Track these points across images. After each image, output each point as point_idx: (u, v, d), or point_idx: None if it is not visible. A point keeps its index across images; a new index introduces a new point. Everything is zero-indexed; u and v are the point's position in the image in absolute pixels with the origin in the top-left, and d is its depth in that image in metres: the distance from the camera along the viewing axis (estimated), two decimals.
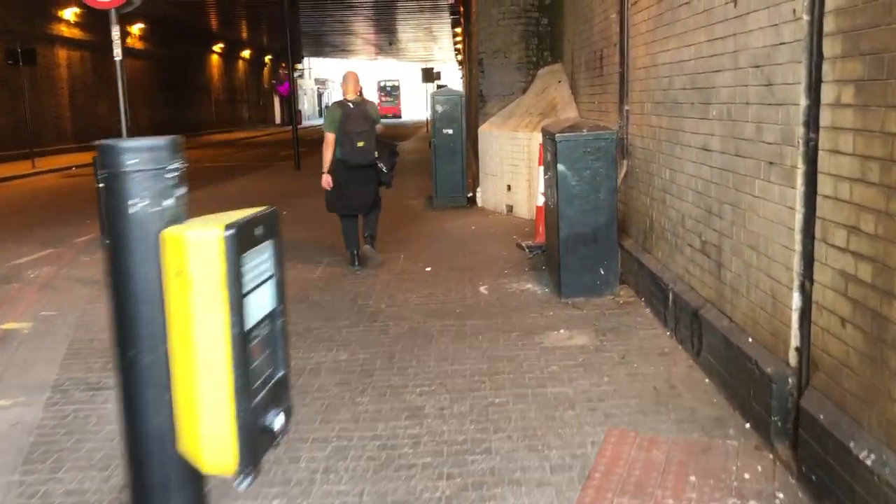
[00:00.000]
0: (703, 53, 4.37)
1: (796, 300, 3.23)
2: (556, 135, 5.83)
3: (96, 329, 5.69)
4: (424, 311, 5.85)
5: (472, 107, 11.35)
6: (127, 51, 31.60)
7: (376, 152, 7.07)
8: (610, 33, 6.88)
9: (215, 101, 44.69)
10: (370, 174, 7.17)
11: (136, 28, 32.92)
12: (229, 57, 47.27)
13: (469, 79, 22.72)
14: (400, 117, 73.32)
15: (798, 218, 3.19)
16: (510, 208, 9.97)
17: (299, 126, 60.07)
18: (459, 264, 7.44)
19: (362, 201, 7.23)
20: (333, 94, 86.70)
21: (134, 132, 31.32)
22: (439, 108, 10.82)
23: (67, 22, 27.22)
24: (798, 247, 3.20)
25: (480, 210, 10.68)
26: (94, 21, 28.94)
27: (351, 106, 7.07)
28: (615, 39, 6.58)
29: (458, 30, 40.04)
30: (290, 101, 18.89)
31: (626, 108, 6.27)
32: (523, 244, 7.92)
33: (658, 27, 5.31)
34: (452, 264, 7.45)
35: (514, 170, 9.76)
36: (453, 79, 72.48)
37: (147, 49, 34.35)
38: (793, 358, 3.28)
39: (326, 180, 7.22)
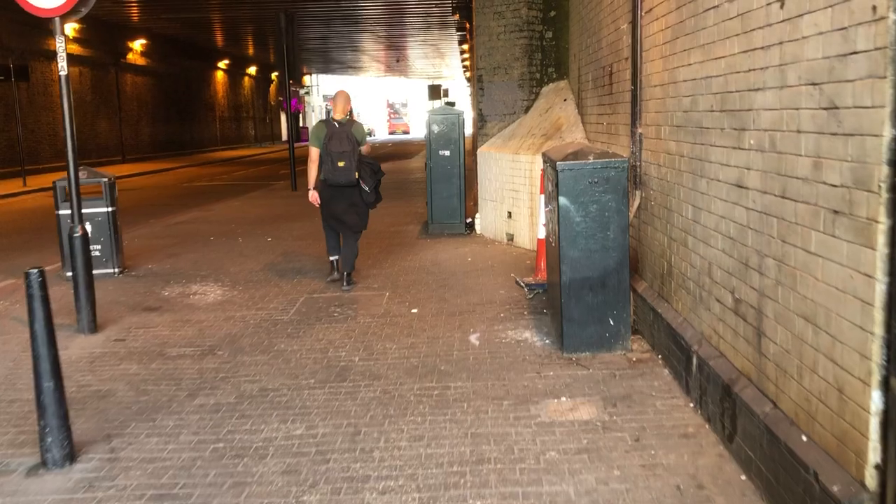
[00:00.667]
0: (736, 68, 3.54)
1: (877, 401, 2.37)
2: (558, 162, 5.00)
3: (23, 386, 4.88)
4: (403, 368, 5.00)
5: (474, 126, 10.56)
6: (128, 67, 31.16)
7: (357, 172, 7.06)
8: (621, 46, 6.07)
9: (220, 117, 44.18)
10: (353, 193, 7.18)
11: (138, 44, 32.44)
12: (235, 73, 46.82)
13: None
14: (409, 133, 72.80)
15: (879, 290, 2.35)
16: (511, 237, 9.15)
17: (306, 143, 59.57)
18: (450, 306, 6.59)
19: (343, 218, 7.29)
20: None
21: (135, 149, 30.71)
22: (435, 129, 10.03)
23: (66, 37, 26.62)
24: (879, 329, 2.35)
25: (479, 238, 9.86)
26: (94, 37, 28.46)
27: (336, 125, 7.13)
28: (626, 53, 5.76)
29: (466, 46, 39.45)
30: (289, 117, 18.20)
31: (639, 131, 5.44)
32: (522, 282, 7.07)
33: (678, 37, 4.49)
34: (442, 305, 6.61)
35: (515, 195, 8.94)
36: (462, 96, 72.03)
37: (149, 65, 33.85)
38: (871, 478, 2.42)
39: (314, 197, 7.32)
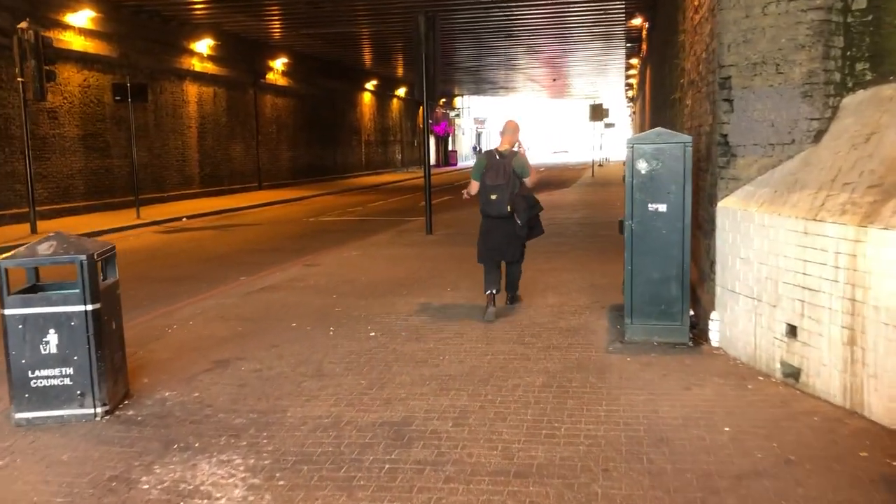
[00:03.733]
0: None
1: None
2: None
3: None
4: None
5: (706, 163, 6.40)
6: (267, 87, 29.09)
7: (510, 205, 6.98)
8: None
9: (366, 141, 42.04)
10: (506, 225, 7.13)
11: (279, 63, 30.52)
12: (383, 95, 44.70)
13: (651, 118, 17.86)
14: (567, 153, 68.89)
15: None
16: (794, 373, 4.95)
17: (454, 167, 56.93)
18: None
19: (497, 249, 7.31)
20: (492, 134, 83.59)
21: (273, 174, 28.52)
22: (642, 166, 6.03)
23: (200, 55, 24.87)
24: None
25: (717, 359, 5.70)
26: (231, 55, 26.60)
27: (497, 157, 7.13)
28: None
29: (635, 61, 34.91)
30: (424, 142, 14.74)
31: None
32: None
33: None
34: None
35: (807, 298, 4.76)
36: (620, 118, 66.99)
37: (291, 86, 31.93)
38: None
39: (474, 186, 7.25)
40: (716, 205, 5.92)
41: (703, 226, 6.44)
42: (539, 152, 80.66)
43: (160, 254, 13.37)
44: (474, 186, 7.19)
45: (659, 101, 15.67)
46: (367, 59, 36.82)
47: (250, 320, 7.54)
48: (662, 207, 6.03)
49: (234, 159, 27.50)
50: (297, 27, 26.01)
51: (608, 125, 43.07)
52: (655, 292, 6.09)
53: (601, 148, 46.50)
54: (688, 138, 6.04)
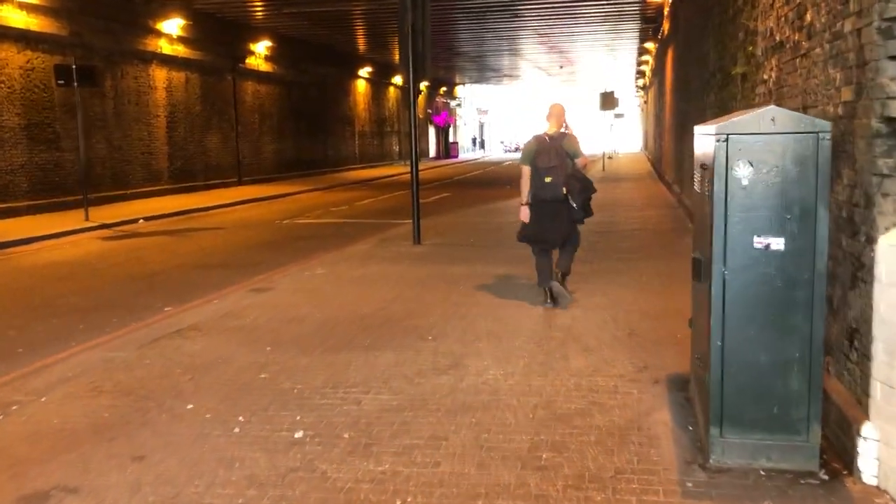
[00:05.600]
0: None
1: None
2: None
3: None
4: None
5: (839, 167, 3.80)
6: (248, 73, 26.43)
7: (565, 188, 6.88)
8: None
9: (360, 132, 39.46)
10: (562, 209, 6.98)
11: (262, 47, 27.94)
12: (378, 83, 42.09)
13: (674, 108, 15.40)
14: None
15: None
16: None
17: (455, 160, 54.35)
18: None
19: (554, 236, 7.10)
20: (494, 125, 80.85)
21: (255, 168, 25.81)
22: (745, 172, 3.53)
23: (169, 37, 22.32)
24: None
25: None
26: (205, 37, 24.05)
27: (547, 140, 7.03)
28: None
29: (650, 45, 32.25)
30: (411, 132, 12.24)
31: None
32: None
33: None
34: None
35: None
36: (628, 108, 64.18)
37: (275, 72, 29.37)
38: None
39: (524, 213, 7.20)
40: (873, 238, 3.43)
41: (838, 274, 3.93)
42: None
43: (86, 270, 10.90)
44: (525, 172, 7.11)
45: (695, 85, 13.11)
46: (361, 43, 34.19)
47: (132, 395, 5.08)
48: (778, 243, 3.54)
49: (209, 152, 24.97)
50: (279, 5, 23.43)
51: (618, 115, 40.45)
52: (763, 385, 3.60)
53: (611, 139, 43.85)
54: (824, 125, 3.53)
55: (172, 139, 22.83)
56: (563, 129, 7.09)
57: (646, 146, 44.68)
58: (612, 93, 32.56)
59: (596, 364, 5.41)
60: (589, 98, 67.78)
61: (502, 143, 75.65)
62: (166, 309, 7.99)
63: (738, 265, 3.59)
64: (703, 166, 3.87)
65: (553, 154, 6.89)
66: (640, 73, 44.86)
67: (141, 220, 16.91)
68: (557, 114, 7.11)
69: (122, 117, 20.45)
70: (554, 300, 7.06)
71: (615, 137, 49.06)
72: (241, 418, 4.56)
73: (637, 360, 5.46)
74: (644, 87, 46.58)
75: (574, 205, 6.92)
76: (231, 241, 13.49)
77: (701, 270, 3.89)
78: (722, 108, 8.79)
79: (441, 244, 11.70)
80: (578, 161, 7.00)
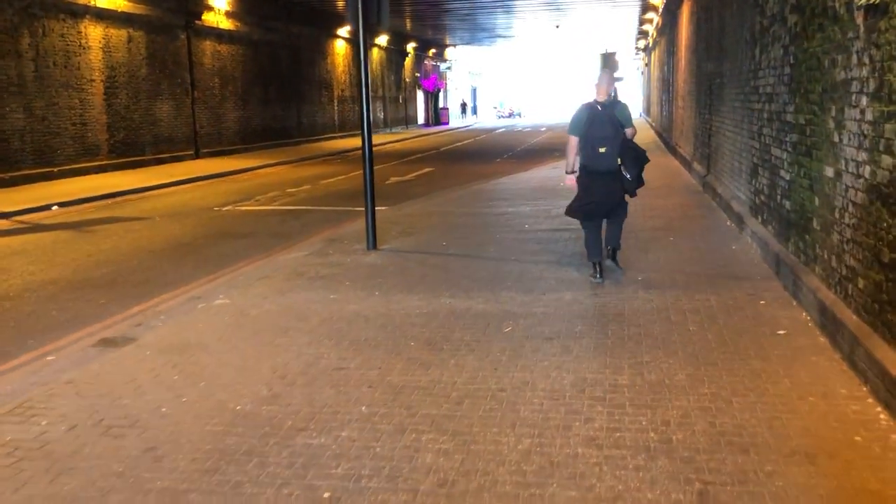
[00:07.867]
0: None
1: None
2: None
3: None
4: None
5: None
6: (206, 31, 21.84)
7: (619, 159, 6.68)
8: None
9: (339, 98, 36.38)
10: (613, 180, 6.77)
11: (223, 1, 24.77)
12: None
13: (694, 68, 12.30)
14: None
15: None
16: None
17: (445, 127, 51.30)
18: None
19: (604, 208, 6.88)
20: (488, 89, 77.50)
21: (215, 139, 20.28)
22: None
23: None
24: None
25: None
26: None
27: (599, 108, 6.77)
28: None
29: (656, 1, 29.12)
30: (362, 95, 9.48)
31: None
32: None
33: None
34: None
35: None
36: (627, 72, 60.90)
37: (239, 30, 26.24)
38: None
39: (571, 182, 7.06)
40: None
41: None
42: (540, 112, 74.87)
43: None
44: (573, 142, 6.88)
45: (731, 40, 10.20)
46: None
47: None
48: None
49: (160, 122, 21.98)
50: None
51: (617, 79, 37.49)
52: None
53: None
54: None
55: (112, 107, 19.85)
56: (612, 97, 6.93)
57: (648, 112, 41.58)
58: (613, 54, 29.67)
59: None
60: (586, 60, 64.52)
61: (495, 108, 72.40)
62: None
63: None
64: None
65: (607, 123, 6.68)
66: (643, 34, 41.63)
67: (55, 207, 14.08)
68: (606, 80, 6.94)
69: (46, 82, 17.44)
70: (604, 275, 6.80)
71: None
72: None
73: None
74: (646, 49, 43.36)
75: (628, 176, 6.75)
76: (141, 241, 10.64)
77: None
78: (807, 67, 5.98)
79: (402, 251, 8.92)
80: (628, 131, 6.80)
